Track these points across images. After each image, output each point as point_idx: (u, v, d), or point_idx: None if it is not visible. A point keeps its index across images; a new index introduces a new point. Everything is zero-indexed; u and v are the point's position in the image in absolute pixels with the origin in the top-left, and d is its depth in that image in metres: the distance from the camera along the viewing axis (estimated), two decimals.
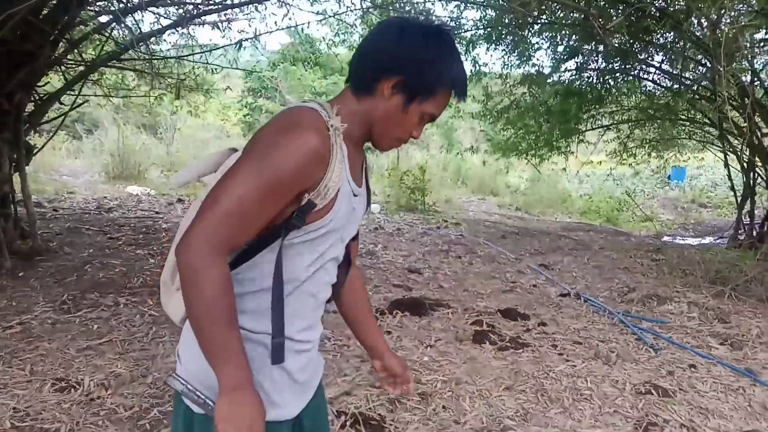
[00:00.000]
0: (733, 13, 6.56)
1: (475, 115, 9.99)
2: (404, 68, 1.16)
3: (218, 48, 6.62)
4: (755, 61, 7.48)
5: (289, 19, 12.09)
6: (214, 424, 1.05)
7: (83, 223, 6.59)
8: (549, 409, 2.92)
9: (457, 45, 1.25)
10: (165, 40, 7.42)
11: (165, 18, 6.35)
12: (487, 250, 7.24)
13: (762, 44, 7.35)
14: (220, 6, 6.19)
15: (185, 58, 6.80)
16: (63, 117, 5.95)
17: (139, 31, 6.29)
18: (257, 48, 6.60)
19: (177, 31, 6.53)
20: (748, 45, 6.90)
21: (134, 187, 10.32)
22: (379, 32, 1.22)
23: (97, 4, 6.09)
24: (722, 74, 4.81)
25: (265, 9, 6.79)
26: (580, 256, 6.98)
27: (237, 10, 6.42)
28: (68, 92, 5.90)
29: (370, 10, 6.58)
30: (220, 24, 6.29)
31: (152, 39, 6.46)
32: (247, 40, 6.08)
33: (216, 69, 7.02)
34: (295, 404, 1.26)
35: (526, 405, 2.94)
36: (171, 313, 1.25)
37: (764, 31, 6.80)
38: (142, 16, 6.86)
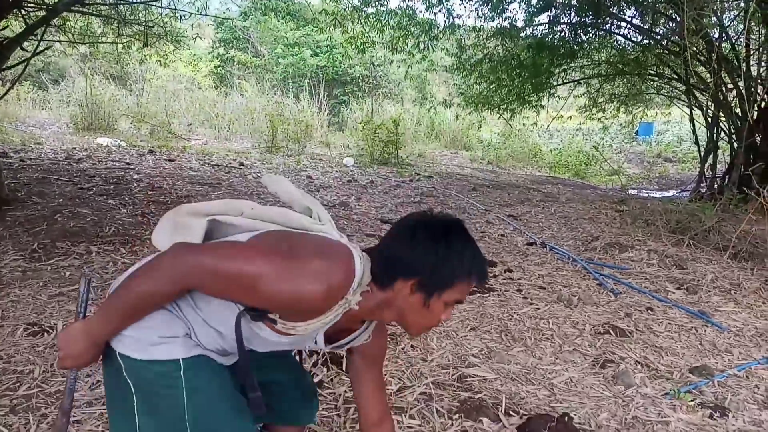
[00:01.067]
0: None
1: (449, 69, 9.95)
2: (419, 271, 1.24)
3: None
4: (723, 16, 7.58)
5: None
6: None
7: (52, 173, 6.49)
8: (512, 347, 3.07)
9: (469, 235, 1.32)
10: None
11: None
12: (458, 201, 7.36)
13: None
14: None
15: (153, 3, 6.60)
16: (26, 63, 5.78)
17: None
18: None
19: None
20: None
21: (104, 138, 10.12)
22: (394, 236, 1.31)
23: None
24: (690, 28, 4.88)
25: None
26: (548, 208, 7.15)
27: None
28: (30, 38, 5.70)
29: None
30: None
31: None
32: None
33: (185, 16, 6.83)
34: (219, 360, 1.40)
35: (491, 344, 3.09)
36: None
37: None
38: None
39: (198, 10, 6.89)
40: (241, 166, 8.79)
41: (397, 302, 1.28)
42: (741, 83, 7.24)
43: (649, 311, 3.72)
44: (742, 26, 7.36)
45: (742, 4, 6.93)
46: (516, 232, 5.89)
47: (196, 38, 7.90)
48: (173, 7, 6.57)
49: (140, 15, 6.96)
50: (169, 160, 8.58)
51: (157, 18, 7.10)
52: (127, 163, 7.87)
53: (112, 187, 6.12)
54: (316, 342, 1.35)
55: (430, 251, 1.24)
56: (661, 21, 7.71)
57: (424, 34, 8.77)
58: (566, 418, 2.26)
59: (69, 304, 3.21)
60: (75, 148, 8.84)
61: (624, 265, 4.68)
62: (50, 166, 7.05)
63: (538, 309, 3.64)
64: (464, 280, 1.27)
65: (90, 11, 6.50)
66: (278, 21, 18.58)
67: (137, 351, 1.27)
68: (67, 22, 7.19)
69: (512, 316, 3.49)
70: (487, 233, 5.73)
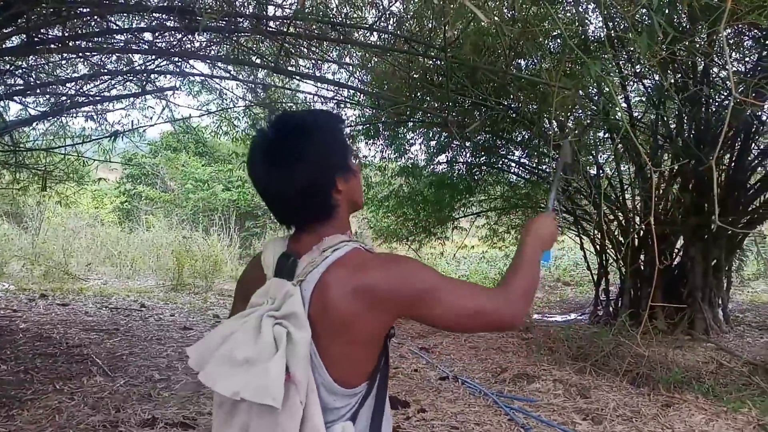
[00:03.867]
0: (576, 115, 7.52)
1: None
2: (330, 174, 1.28)
3: (91, 140, 6.43)
4: (599, 156, 8.53)
5: (169, 111, 12.04)
6: None
7: None
8: None
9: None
10: (34, 128, 7.10)
11: (33, 108, 6.13)
12: None
13: (604, 142, 8.43)
14: (97, 98, 6.07)
15: (55, 150, 6.52)
16: None
17: (2, 119, 6.00)
18: (132, 141, 6.50)
19: (48, 119, 6.31)
20: (592, 142, 7.90)
21: None
22: (287, 168, 1.25)
23: None
24: (570, 168, 5.41)
25: (144, 101, 6.75)
26: (458, 338, 7.26)
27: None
28: None
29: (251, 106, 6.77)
30: (94, 116, 6.15)
31: (18, 128, 6.17)
32: (123, 133, 5.99)
33: (88, 162, 6.77)
34: None
35: None
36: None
37: (603, 131, 7.84)
38: (7, 105, 6.54)
39: (104, 154, 6.86)
40: (142, 308, 8.38)
41: (345, 203, 1.37)
42: (620, 215, 8.03)
43: None
44: (615, 164, 8.29)
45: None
46: (428, 366, 5.89)
47: (100, 180, 7.80)
48: (77, 153, 6.52)
49: (40, 159, 6.82)
50: (63, 305, 8.06)
51: (60, 161, 6.97)
52: (14, 311, 7.31)
53: None
54: None
55: (319, 152, 1.26)
56: (546, 160, 8.52)
57: None
58: None
59: None
60: None
61: (532, 398, 4.76)
62: None
63: None
64: (340, 137, 1.33)
65: None
66: (188, 158, 18.85)
67: None
68: None
69: None
70: (400, 369, 5.69)
